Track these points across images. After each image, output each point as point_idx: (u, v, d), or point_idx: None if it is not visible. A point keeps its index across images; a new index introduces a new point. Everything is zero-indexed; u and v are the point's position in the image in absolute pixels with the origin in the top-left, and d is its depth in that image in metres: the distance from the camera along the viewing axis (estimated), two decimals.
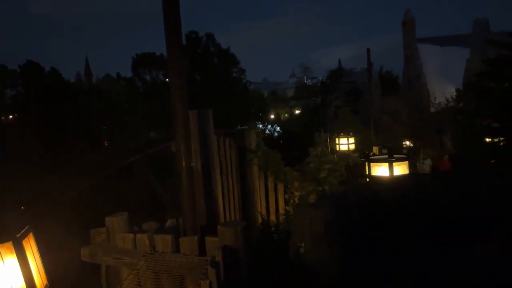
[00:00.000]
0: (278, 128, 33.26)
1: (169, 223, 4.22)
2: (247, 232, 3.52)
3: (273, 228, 6.59)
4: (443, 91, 25.38)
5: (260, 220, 6.96)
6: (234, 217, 6.42)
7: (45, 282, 1.99)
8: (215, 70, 34.79)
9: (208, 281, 2.62)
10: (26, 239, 1.90)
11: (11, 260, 1.82)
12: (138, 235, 3.68)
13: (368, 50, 16.43)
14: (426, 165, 13.66)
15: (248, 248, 3.33)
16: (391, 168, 5.92)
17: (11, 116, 37.24)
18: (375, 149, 14.12)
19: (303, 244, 3.66)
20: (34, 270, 1.91)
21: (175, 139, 4.20)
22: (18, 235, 1.85)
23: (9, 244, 1.81)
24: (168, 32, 3.91)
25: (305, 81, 64.73)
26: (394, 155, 6.42)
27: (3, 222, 1.90)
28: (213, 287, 2.64)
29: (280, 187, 7.77)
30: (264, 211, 7.42)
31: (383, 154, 7.76)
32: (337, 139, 13.74)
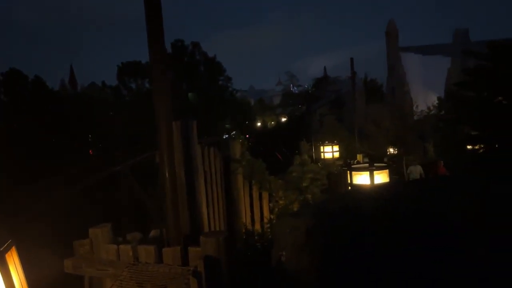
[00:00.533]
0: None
1: (153, 233, 4.26)
2: (230, 241, 3.58)
3: (256, 237, 6.65)
4: (425, 99, 25.88)
5: (244, 229, 7.02)
6: (219, 227, 6.47)
7: None
8: (201, 78, 34.88)
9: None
10: (9, 252, 1.94)
11: None
12: (122, 246, 3.72)
13: (352, 59, 16.71)
14: (416, 172, 13.77)
15: (230, 257, 3.40)
16: (371, 176, 6.05)
17: None
18: (359, 157, 14.33)
19: (284, 253, 3.73)
20: (17, 284, 1.96)
21: (159, 149, 4.26)
22: (1, 249, 1.89)
23: None
24: (151, 45, 3.99)
25: (291, 89, 65.19)
26: (376, 164, 6.56)
27: None
28: None
29: (265, 195, 7.85)
30: (249, 220, 7.49)
31: (366, 163, 7.91)
32: (321, 147, 13.91)
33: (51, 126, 26.84)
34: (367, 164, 6.49)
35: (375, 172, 6.13)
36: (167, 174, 4.02)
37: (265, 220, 7.45)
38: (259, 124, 48.57)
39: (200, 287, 2.82)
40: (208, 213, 6.19)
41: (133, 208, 8.09)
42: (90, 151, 30.42)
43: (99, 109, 32.79)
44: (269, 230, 6.99)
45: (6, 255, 1.92)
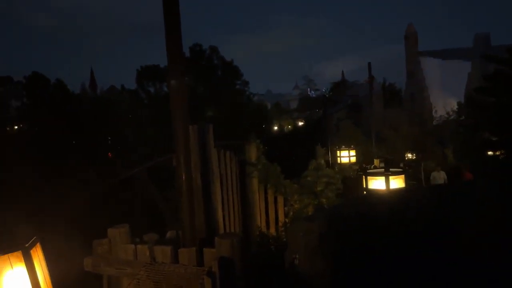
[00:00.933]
0: None
1: (169, 234, 4.35)
2: (244, 244, 3.65)
3: (271, 240, 6.70)
4: (445, 104, 25.54)
5: (259, 232, 7.08)
6: (234, 229, 6.54)
7: None
8: (218, 82, 35.16)
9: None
10: (34, 248, 2.05)
11: (20, 268, 1.97)
12: (139, 246, 3.81)
13: (369, 64, 16.64)
14: (440, 179, 13.49)
15: (244, 259, 3.46)
16: (387, 181, 6.04)
17: (16, 127, 37.67)
18: (377, 162, 14.22)
19: (297, 256, 3.78)
20: (41, 278, 2.06)
21: (175, 152, 4.35)
22: (27, 245, 2.00)
23: (19, 254, 1.96)
24: (169, 49, 4.09)
25: (309, 93, 65.12)
26: (392, 169, 6.54)
27: (12, 232, 2.06)
28: None
29: (280, 199, 7.89)
30: (264, 223, 7.54)
31: (382, 167, 7.88)
32: (338, 152, 13.87)
33: (70, 128, 27.41)
34: (383, 169, 6.48)
35: (390, 177, 6.11)
36: (183, 176, 4.11)
37: (280, 224, 7.49)
38: (275, 128, 48.59)
39: (215, 287, 2.89)
40: (223, 216, 6.26)
41: (150, 210, 8.24)
42: (109, 153, 30.84)
43: (118, 112, 33.31)
44: (283, 233, 7.02)
45: (31, 251, 2.03)
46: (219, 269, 3.07)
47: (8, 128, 36.41)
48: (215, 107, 31.35)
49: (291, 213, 7.43)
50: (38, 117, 30.06)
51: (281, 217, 7.70)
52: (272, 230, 7.44)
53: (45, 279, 2.10)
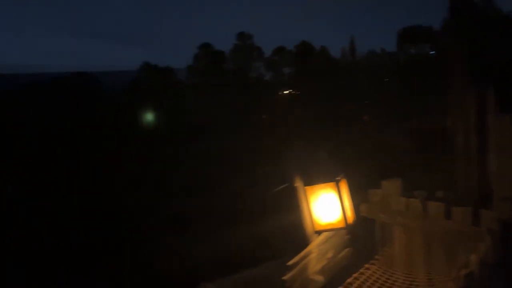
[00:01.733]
0: None
1: (438, 194, 4.47)
2: None
3: None
4: None
5: None
6: None
7: (354, 216, 2.72)
8: (495, 39, 30.85)
9: (485, 244, 2.83)
10: (342, 182, 2.64)
11: (333, 194, 2.59)
12: (411, 199, 4.08)
13: None
14: None
15: None
16: None
17: (286, 92, 43.26)
18: None
19: None
20: (347, 204, 2.64)
21: (450, 114, 4.36)
22: (337, 178, 2.60)
23: (332, 184, 2.58)
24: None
25: None
26: None
27: (327, 168, 2.69)
28: (489, 252, 2.84)
29: None
30: None
31: None
32: None
33: (332, 92, 29.69)
34: None
35: None
36: (459, 139, 4.12)
37: None
38: None
39: (495, 244, 2.92)
40: (501, 185, 5.83)
41: (416, 167, 8.40)
42: (364, 116, 31.85)
43: (377, 76, 33.76)
44: None
45: (340, 183, 2.61)
46: (500, 229, 3.06)
47: (280, 93, 42.21)
48: (494, 68, 27.83)
49: None
50: (305, 82, 33.67)
51: None
52: None
53: (349, 205, 2.68)
